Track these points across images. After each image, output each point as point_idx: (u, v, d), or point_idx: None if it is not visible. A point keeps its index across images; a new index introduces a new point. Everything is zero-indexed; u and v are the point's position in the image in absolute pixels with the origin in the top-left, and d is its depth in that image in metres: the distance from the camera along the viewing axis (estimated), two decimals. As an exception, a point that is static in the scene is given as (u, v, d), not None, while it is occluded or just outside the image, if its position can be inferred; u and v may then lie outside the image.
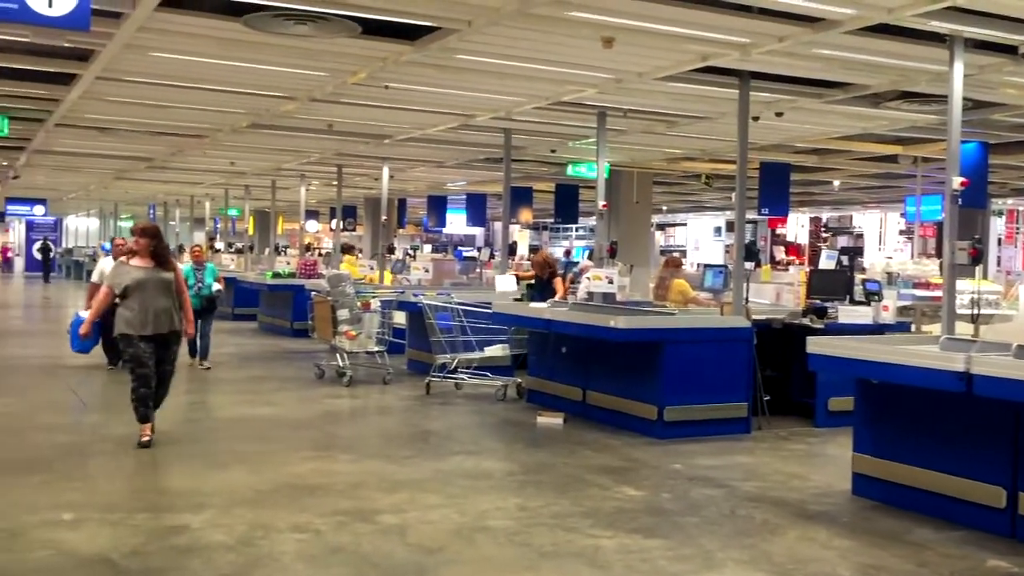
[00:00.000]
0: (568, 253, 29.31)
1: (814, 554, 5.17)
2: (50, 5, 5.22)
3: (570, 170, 16.26)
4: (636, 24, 7.03)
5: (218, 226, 29.50)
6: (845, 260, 23.59)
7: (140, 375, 7.13)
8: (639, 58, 8.16)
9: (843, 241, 29.59)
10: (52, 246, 38.24)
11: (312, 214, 29.69)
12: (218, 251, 24.99)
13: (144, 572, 4.61)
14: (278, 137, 13.99)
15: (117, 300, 7.39)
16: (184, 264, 11.89)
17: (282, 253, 22.37)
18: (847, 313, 8.77)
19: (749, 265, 8.60)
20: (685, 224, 34.13)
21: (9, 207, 31.09)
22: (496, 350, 10.21)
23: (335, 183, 18.03)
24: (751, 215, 15.85)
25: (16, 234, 45.90)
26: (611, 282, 9.54)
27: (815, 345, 6.40)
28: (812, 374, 8.00)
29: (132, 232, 7.64)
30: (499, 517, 5.64)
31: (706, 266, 12.26)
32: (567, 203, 18.84)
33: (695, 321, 8.68)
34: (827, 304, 9.08)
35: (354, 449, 7.57)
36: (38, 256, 41.67)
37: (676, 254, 18.72)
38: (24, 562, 4.69)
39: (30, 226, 41.80)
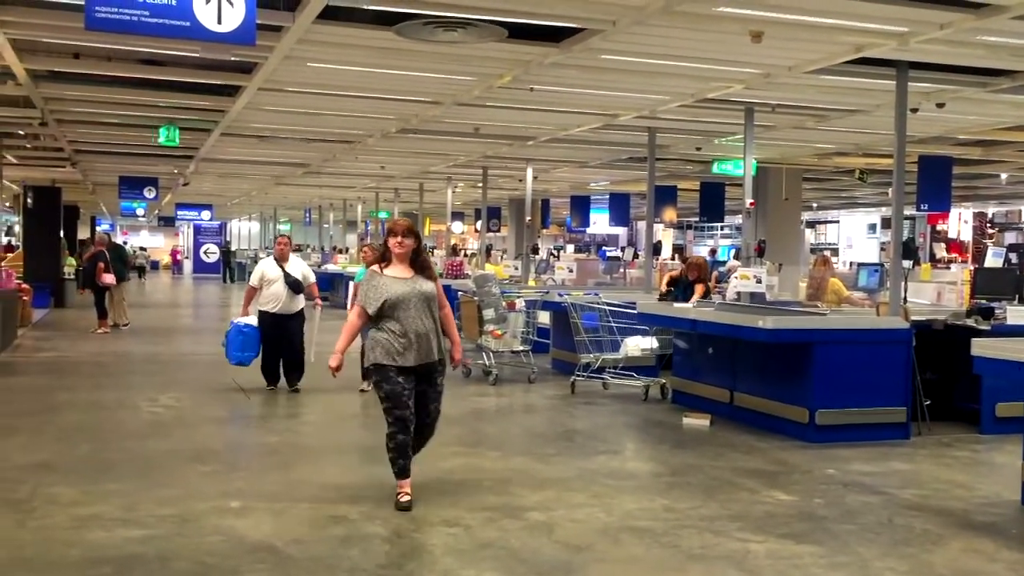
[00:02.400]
0: (713, 252, 28.80)
1: (979, 566, 4.92)
2: (219, 21, 5.56)
3: (715, 168, 15.99)
4: (786, 17, 6.87)
5: (369, 228, 30.49)
6: (1014, 258, 22.20)
7: (398, 418, 5.69)
8: (789, 51, 7.96)
9: (1011, 237, 27.83)
10: (231, 249, 40.27)
11: (458, 215, 30.28)
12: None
13: (307, 559, 4.83)
14: (426, 141, 14.36)
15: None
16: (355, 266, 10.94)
17: (429, 254, 22.91)
18: (1016, 314, 8.28)
19: (907, 263, 8.25)
20: (837, 221, 32.94)
21: (179, 212, 33.12)
22: (635, 347, 10.11)
23: (480, 185, 18.34)
24: (909, 211, 15.16)
25: (185, 238, 48.85)
26: (759, 281, 9.34)
27: (981, 347, 6.08)
28: (977, 378, 7.59)
29: (389, 231, 5.91)
30: (645, 518, 5.62)
31: (860, 265, 11.81)
32: (712, 201, 18.53)
33: (848, 322, 8.39)
34: (994, 304, 8.60)
35: (501, 446, 7.69)
36: (206, 259, 44.20)
37: (827, 252, 18.07)
38: (196, 546, 5.00)
39: (197, 230, 44.34)
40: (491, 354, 10.99)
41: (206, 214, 33.38)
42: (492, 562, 4.84)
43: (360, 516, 5.57)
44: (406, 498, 5.73)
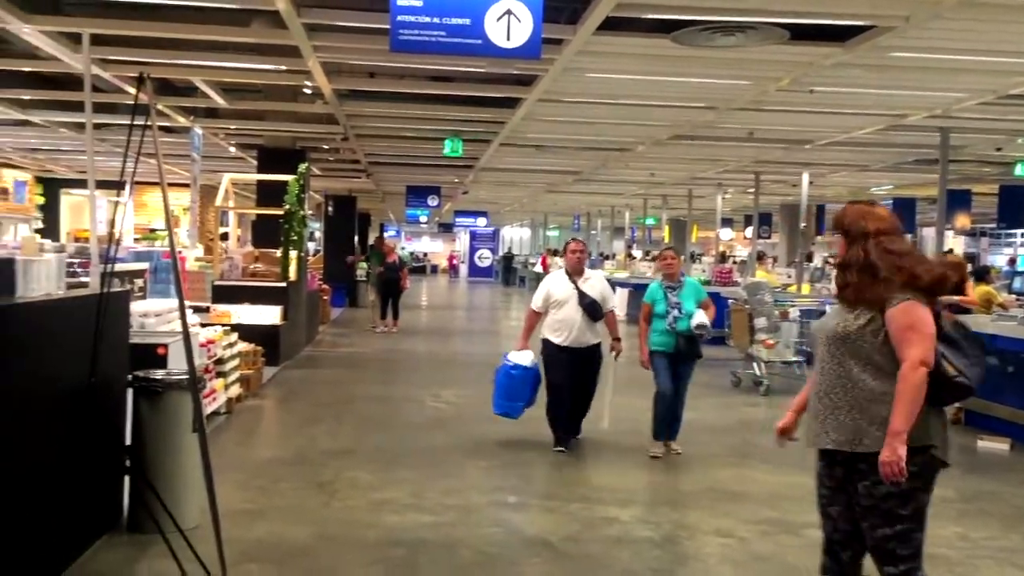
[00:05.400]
0: (1012, 261, 26.29)
1: None
2: (508, 38, 5.87)
3: (1019, 170, 14.62)
4: (1112, 1, 6.19)
5: (635, 234, 30.65)
6: None
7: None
8: (1114, 39, 7.15)
9: None
10: (513, 255, 42.06)
11: (727, 222, 29.73)
12: (634, 258, 26.01)
13: (581, 557, 4.96)
14: (697, 147, 14.25)
15: None
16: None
17: (697, 261, 22.68)
18: None
19: None
20: None
21: (457, 219, 34.99)
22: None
23: (751, 191, 17.90)
24: None
25: (461, 243, 51.48)
26: (1072, 295, 8.43)
27: None
28: None
29: (842, 221, 3.45)
30: (938, 545, 5.25)
31: None
32: (1013, 206, 17.01)
33: None
34: None
35: (773, 459, 7.46)
36: (480, 263, 46.33)
37: None
38: (478, 536, 5.28)
39: (473, 236, 46.62)
40: (762, 364, 10.70)
41: (481, 220, 35.00)
42: (768, 577, 4.74)
43: (631, 519, 5.63)
44: None
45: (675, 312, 7.22)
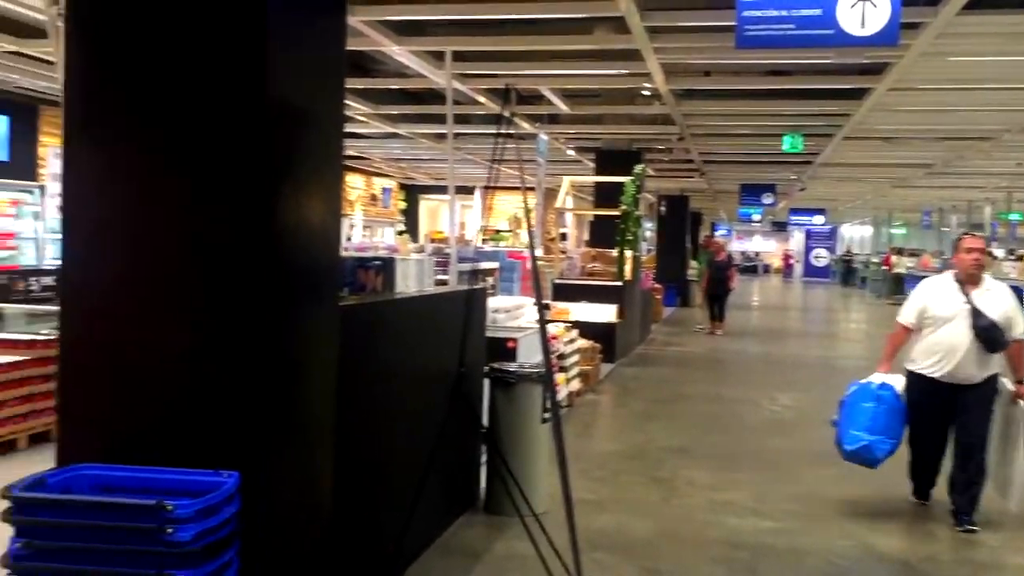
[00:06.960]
0: None
1: None
2: (862, 25, 5.58)
3: None
4: None
5: (996, 231, 27.76)
6: None
7: None
8: None
9: None
10: (852, 256, 40.15)
11: (1113, 217, 26.06)
12: (995, 258, 23.55)
13: (942, 580, 4.62)
14: (1078, 132, 12.67)
15: None
16: None
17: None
18: None
19: None
20: None
21: (792, 217, 33.78)
22: None
23: None
24: None
25: (795, 242, 49.62)
26: None
27: None
28: None
29: None
30: None
31: None
32: None
33: None
34: None
35: None
36: (816, 263, 44.46)
37: None
38: (824, 547, 5.06)
39: (808, 234, 44.77)
40: None
41: (818, 218, 33.50)
42: None
43: (1000, 543, 5.15)
44: None
45: None
